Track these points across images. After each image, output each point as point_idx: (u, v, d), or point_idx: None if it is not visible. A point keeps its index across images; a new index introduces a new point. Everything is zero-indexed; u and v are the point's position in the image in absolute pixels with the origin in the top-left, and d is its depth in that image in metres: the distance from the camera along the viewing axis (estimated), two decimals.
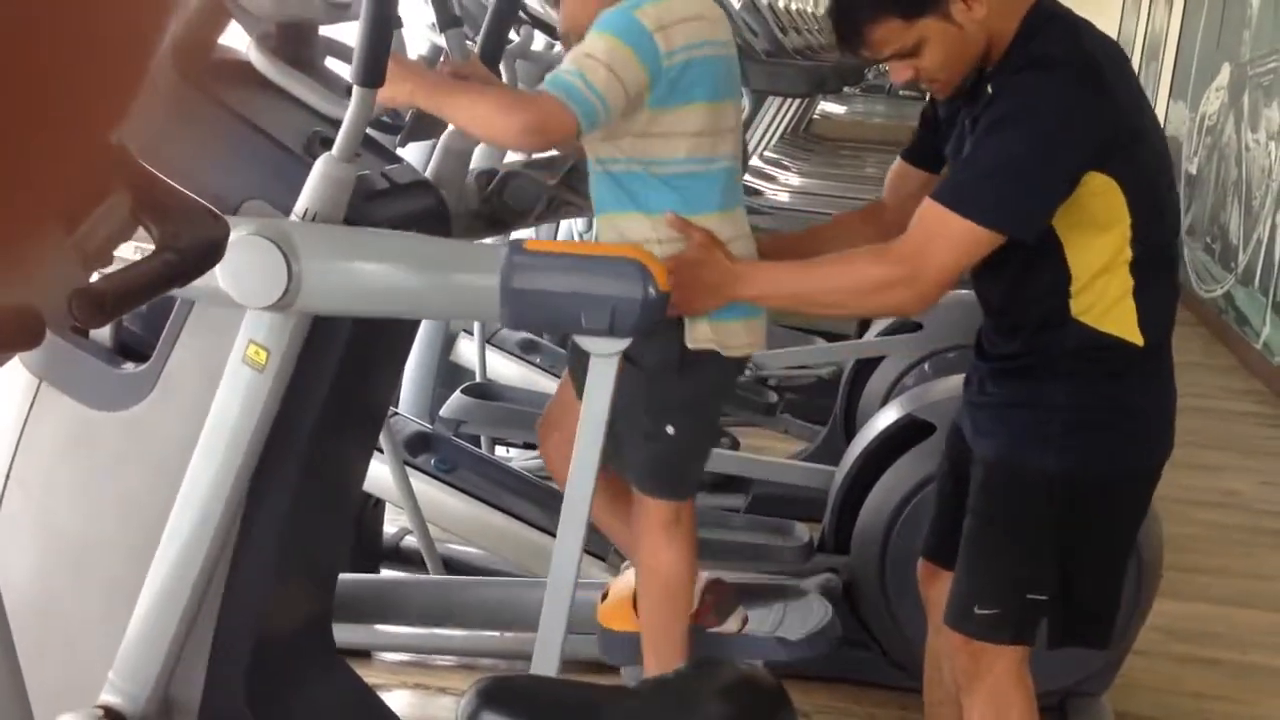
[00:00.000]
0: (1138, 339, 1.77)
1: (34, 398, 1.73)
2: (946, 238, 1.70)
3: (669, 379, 1.91)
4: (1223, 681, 2.93)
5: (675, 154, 1.85)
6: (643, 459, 1.96)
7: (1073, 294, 1.76)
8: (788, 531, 2.85)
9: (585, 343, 1.59)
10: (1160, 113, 8.09)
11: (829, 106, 11.31)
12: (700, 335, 1.89)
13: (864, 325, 4.15)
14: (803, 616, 2.29)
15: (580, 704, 1.00)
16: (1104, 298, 1.76)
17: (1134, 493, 1.88)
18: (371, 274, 1.62)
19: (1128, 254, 1.75)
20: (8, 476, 1.74)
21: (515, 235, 2.53)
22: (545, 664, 1.56)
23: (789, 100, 7.17)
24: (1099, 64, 1.73)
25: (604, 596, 2.21)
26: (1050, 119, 1.69)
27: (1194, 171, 7.54)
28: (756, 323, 1.95)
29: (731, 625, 2.18)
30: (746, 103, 4.78)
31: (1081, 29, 1.76)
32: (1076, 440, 1.80)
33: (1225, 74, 7.03)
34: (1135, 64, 7.19)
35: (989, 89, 1.75)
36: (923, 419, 2.64)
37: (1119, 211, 1.72)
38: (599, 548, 2.66)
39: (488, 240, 2.21)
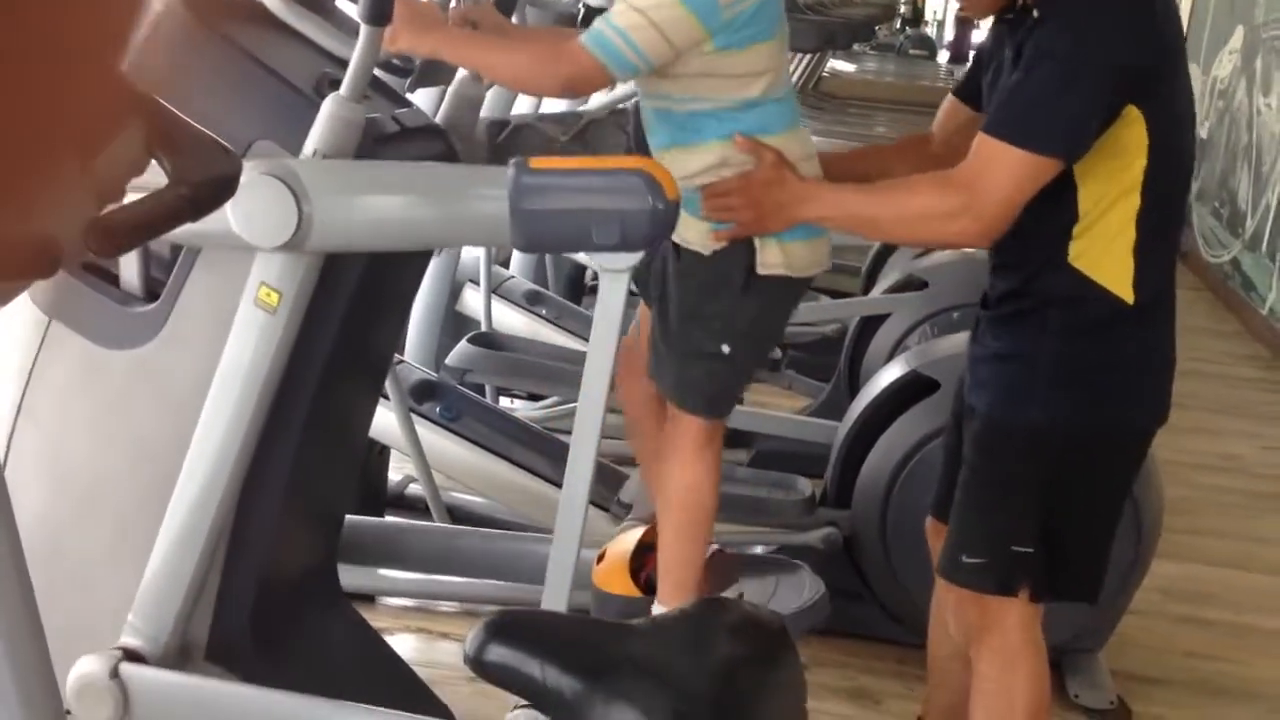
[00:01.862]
0: (1129, 295, 1.77)
1: (44, 335, 1.74)
2: (1003, 168, 1.69)
3: (734, 299, 1.88)
4: (1217, 642, 2.96)
5: (747, 93, 1.81)
6: (692, 376, 1.93)
7: (1074, 236, 1.76)
8: (790, 486, 2.87)
9: (596, 259, 1.56)
10: None
11: (839, 65, 11.24)
12: (771, 259, 1.86)
13: (869, 283, 4.15)
14: (795, 591, 2.31)
15: (587, 640, 1.01)
16: (1103, 246, 1.76)
17: (1120, 451, 1.88)
18: (381, 207, 1.61)
19: (1136, 202, 1.74)
20: (19, 411, 1.75)
21: None
22: (555, 596, 1.55)
23: (798, 56, 7.12)
24: None
25: (600, 558, 2.21)
26: (1099, 44, 1.68)
27: (1204, 136, 7.50)
28: (821, 242, 1.92)
29: (729, 596, 2.19)
30: None
31: None
32: (1061, 395, 1.81)
33: (1238, 37, 6.97)
34: None
35: (1035, 13, 1.73)
36: (927, 375, 2.65)
37: (1139, 149, 1.72)
38: (601, 498, 2.67)
39: None
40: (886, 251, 4.18)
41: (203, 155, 1.07)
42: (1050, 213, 1.74)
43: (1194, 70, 7.91)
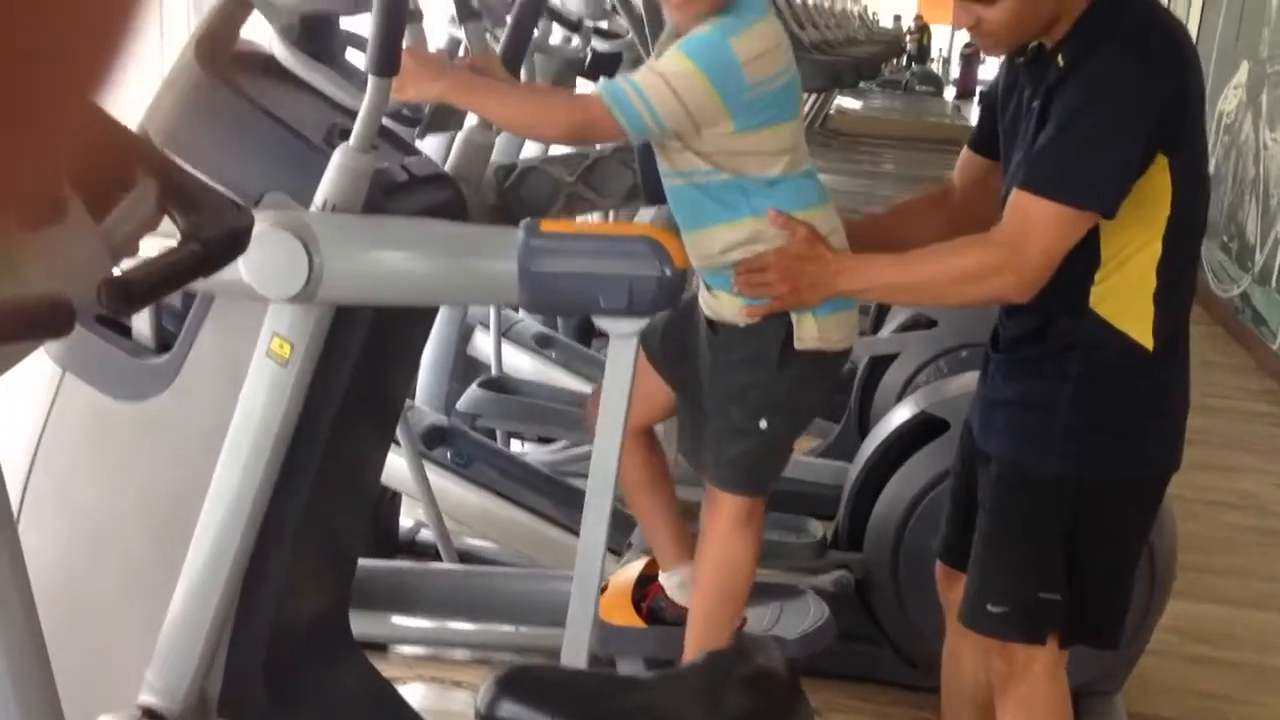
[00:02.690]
0: (1149, 343, 1.76)
1: (58, 386, 1.75)
2: (1043, 223, 1.68)
3: (771, 372, 1.87)
4: (1237, 683, 2.93)
5: (771, 170, 1.81)
6: (729, 454, 1.91)
7: (1096, 281, 1.75)
8: (801, 528, 2.85)
9: (604, 324, 1.58)
10: None
11: (845, 102, 11.31)
12: (807, 334, 1.85)
13: (878, 322, 4.14)
14: (799, 616, 2.29)
15: (598, 693, 1.00)
16: (1125, 292, 1.75)
17: (1139, 496, 1.87)
18: (391, 262, 1.63)
19: (1157, 250, 1.74)
20: (33, 463, 1.76)
21: None
22: (574, 655, 1.55)
23: (805, 95, 7.17)
24: (1180, 40, 1.72)
25: (602, 590, 2.20)
26: (1136, 97, 1.68)
27: (1211, 170, 7.50)
28: (850, 315, 1.92)
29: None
30: None
31: (1156, 2, 1.74)
32: (1082, 442, 1.80)
33: (1244, 71, 7.00)
34: None
35: (1060, 61, 1.72)
36: (937, 416, 2.64)
37: (1164, 197, 1.71)
38: (614, 542, 2.66)
39: None
40: None
41: (215, 211, 1.08)
42: (1073, 258, 1.73)
43: None
